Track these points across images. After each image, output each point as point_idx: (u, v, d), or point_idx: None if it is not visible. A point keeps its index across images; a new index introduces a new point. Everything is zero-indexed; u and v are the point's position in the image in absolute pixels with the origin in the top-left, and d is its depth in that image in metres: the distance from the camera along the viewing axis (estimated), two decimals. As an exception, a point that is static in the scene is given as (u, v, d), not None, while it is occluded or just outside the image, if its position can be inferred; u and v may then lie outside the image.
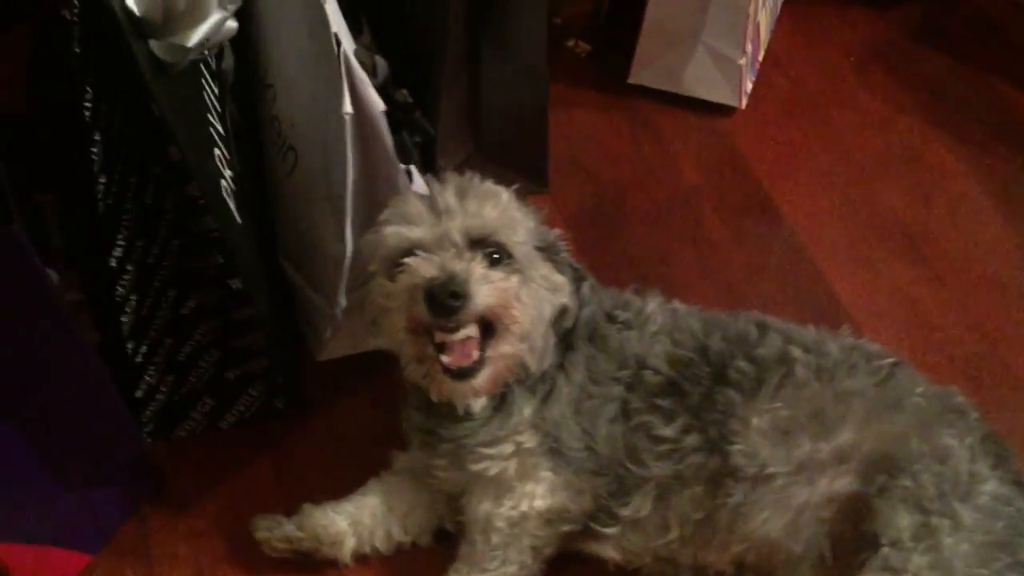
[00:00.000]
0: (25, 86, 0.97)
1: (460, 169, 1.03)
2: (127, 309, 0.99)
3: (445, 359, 0.95)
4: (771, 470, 0.99)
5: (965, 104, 1.62)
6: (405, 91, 1.01)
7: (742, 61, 1.50)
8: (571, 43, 1.63)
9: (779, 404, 1.00)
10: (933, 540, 0.93)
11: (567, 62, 1.62)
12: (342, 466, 1.18)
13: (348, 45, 0.98)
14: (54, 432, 0.95)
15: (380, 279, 0.99)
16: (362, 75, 0.94)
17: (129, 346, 1.03)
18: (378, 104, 0.94)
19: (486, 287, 0.93)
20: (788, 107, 1.60)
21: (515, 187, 1.03)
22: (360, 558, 1.10)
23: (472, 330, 0.95)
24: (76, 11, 0.83)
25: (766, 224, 1.45)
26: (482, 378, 0.96)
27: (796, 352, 1.03)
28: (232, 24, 0.86)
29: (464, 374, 0.96)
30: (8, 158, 0.85)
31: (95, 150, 0.85)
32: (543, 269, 1.01)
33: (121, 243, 0.94)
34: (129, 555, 1.11)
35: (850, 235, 1.44)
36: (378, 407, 1.23)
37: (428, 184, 1.01)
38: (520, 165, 1.40)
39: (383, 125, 0.96)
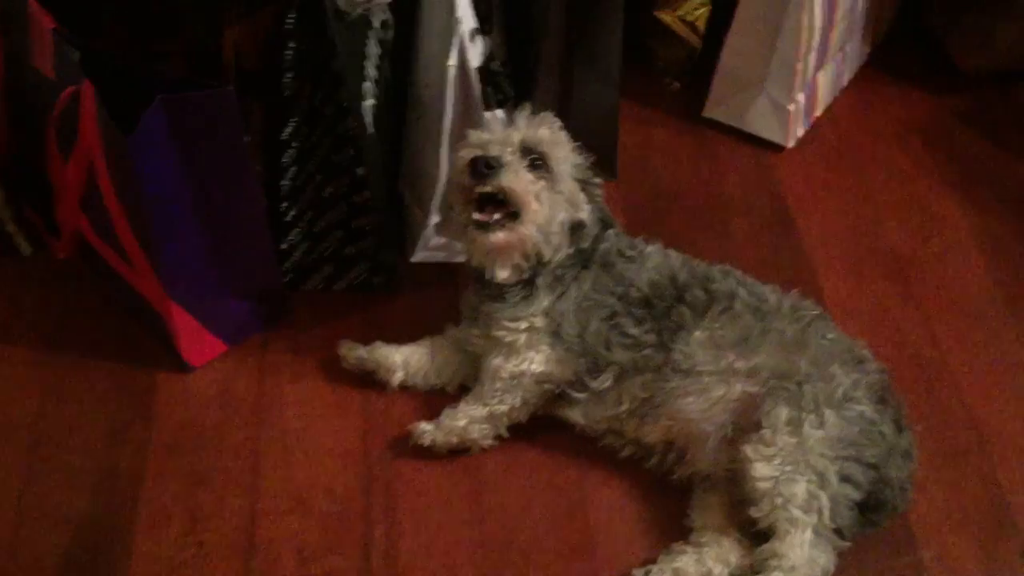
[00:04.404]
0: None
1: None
2: (288, 175, 1.49)
3: (476, 216, 1.36)
4: (700, 368, 1.35)
5: (991, 180, 1.90)
6: (497, 62, 1.47)
7: (791, 107, 1.87)
8: (666, 80, 2.05)
9: (717, 325, 1.36)
10: (799, 427, 1.26)
11: (661, 95, 2.05)
12: (415, 332, 1.58)
13: (469, 25, 1.45)
14: (229, 243, 1.44)
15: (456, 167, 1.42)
16: (468, 44, 1.41)
17: (283, 205, 1.52)
18: (474, 63, 1.41)
19: (515, 173, 1.34)
20: (829, 154, 1.94)
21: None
22: (404, 388, 1.52)
23: (500, 212, 1.35)
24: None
25: (781, 233, 1.79)
26: (498, 236, 1.35)
27: (741, 292, 1.39)
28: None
29: (485, 226, 1.36)
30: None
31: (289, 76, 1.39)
32: (570, 186, 1.40)
33: (292, 124, 1.45)
34: (250, 355, 1.57)
35: (849, 253, 1.75)
36: (450, 302, 1.65)
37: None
38: (597, 156, 1.81)
39: (475, 77, 1.42)
